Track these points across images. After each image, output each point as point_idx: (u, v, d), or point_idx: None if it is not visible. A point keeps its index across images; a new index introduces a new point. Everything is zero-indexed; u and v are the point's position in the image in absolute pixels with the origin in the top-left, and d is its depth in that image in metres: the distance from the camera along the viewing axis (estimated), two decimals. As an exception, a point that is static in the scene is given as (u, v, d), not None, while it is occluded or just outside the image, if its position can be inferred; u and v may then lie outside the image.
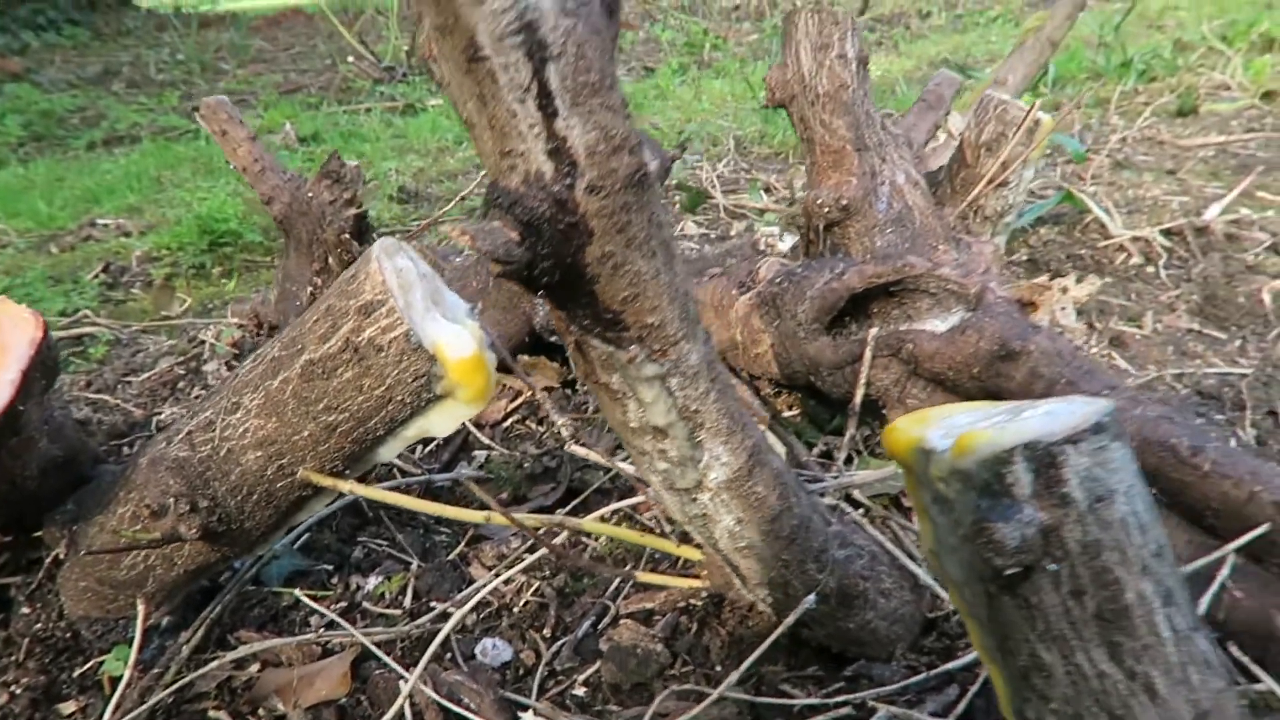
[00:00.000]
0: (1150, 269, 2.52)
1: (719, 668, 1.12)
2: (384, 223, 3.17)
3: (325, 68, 6.74)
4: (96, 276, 2.67)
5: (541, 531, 1.25)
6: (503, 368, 1.81)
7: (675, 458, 0.85)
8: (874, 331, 1.26)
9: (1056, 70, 4.62)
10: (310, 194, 1.64)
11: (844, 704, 1.02)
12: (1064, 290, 1.37)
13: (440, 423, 0.98)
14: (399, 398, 0.93)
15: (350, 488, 1.01)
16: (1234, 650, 1.00)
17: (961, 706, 1.01)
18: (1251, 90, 4.09)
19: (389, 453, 1.01)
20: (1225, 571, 0.97)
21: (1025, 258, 2.65)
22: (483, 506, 1.05)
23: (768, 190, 3.21)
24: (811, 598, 0.95)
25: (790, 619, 0.95)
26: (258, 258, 2.85)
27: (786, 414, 1.51)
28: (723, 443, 0.85)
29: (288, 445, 0.97)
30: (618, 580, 1.28)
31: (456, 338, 0.92)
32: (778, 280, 1.35)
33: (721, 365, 0.86)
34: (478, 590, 1.22)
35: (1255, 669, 0.98)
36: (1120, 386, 1.12)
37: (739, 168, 3.64)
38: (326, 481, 0.99)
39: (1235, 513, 1.00)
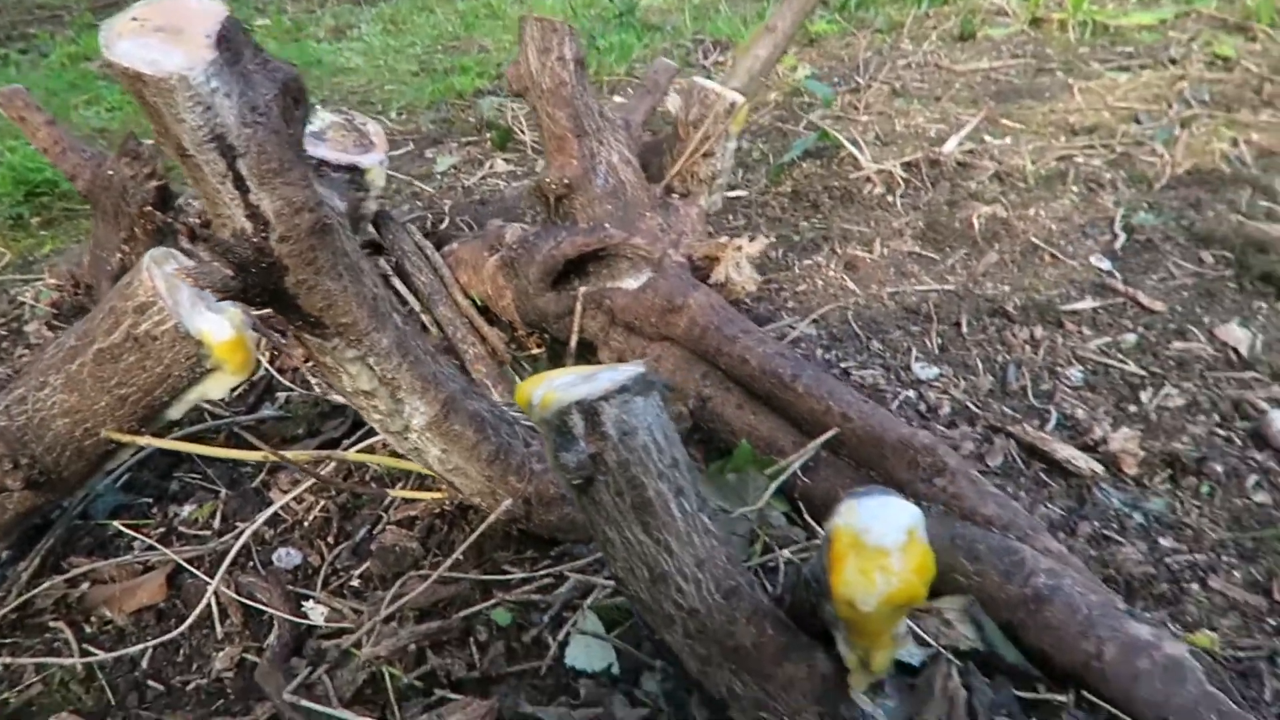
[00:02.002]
0: (890, 198, 2.92)
1: (461, 558, 1.46)
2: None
3: (143, -19, 6.46)
4: (-89, 231, 2.74)
5: (320, 465, 1.55)
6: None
7: (384, 410, 1.16)
8: (583, 289, 1.58)
9: (860, -6, 4.94)
10: (111, 170, 1.83)
11: (546, 575, 1.39)
12: (738, 249, 1.72)
13: (214, 388, 1.26)
14: (176, 374, 1.21)
15: (147, 441, 1.29)
16: (808, 517, 1.41)
17: (632, 572, 1.39)
18: (1022, 16, 4.48)
19: (176, 412, 1.29)
20: (797, 464, 1.36)
21: (790, 190, 3.02)
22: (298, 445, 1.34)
23: (573, 126, 3.46)
24: (508, 502, 1.30)
25: (491, 518, 1.29)
26: (76, 205, 2.94)
27: (535, 351, 1.84)
28: (419, 398, 1.16)
29: (89, 413, 1.24)
30: (391, 496, 1.60)
31: (218, 325, 1.19)
32: (515, 246, 1.65)
33: (417, 343, 1.17)
34: (271, 510, 1.52)
35: (820, 530, 1.39)
36: (753, 330, 1.49)
37: (553, 99, 3.85)
38: (126, 438, 1.27)
39: (819, 421, 1.39)
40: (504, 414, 1.33)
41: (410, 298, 1.84)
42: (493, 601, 1.36)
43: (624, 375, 0.99)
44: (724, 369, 1.47)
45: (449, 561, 1.29)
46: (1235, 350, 2.22)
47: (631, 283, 1.56)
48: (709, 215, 1.93)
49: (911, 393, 2.03)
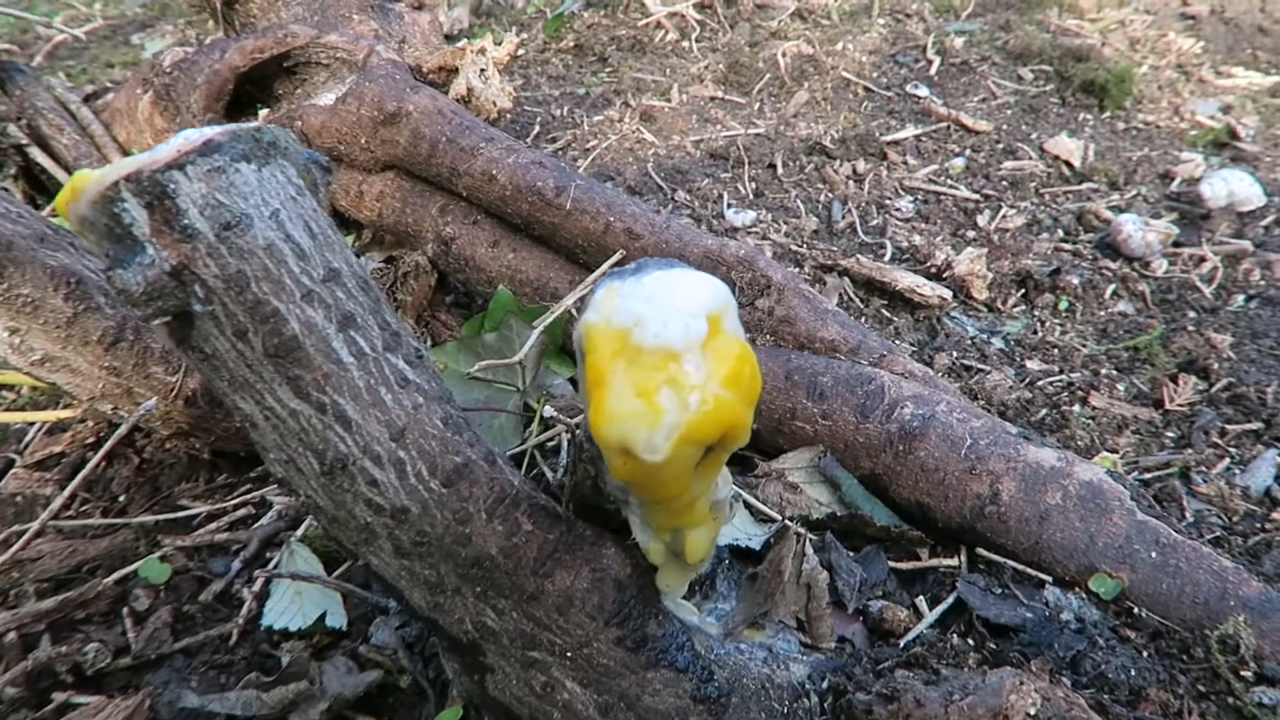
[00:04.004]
0: (685, 43, 2.57)
1: (122, 498, 1.03)
2: None
3: None
4: None
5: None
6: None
7: None
8: (264, 114, 1.15)
9: None
10: None
11: (242, 505, 0.97)
12: (481, 51, 1.31)
13: None
14: None
15: None
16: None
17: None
18: None
19: None
20: (570, 301, 1.00)
21: (572, 44, 2.62)
22: None
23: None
24: (150, 403, 0.87)
25: (122, 429, 0.86)
26: None
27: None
28: (-72, 240, 0.71)
29: None
30: (35, 428, 1.14)
31: None
32: (171, 70, 1.19)
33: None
34: None
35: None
36: (497, 138, 1.09)
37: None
38: None
39: (598, 245, 1.02)
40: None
41: (52, 168, 1.34)
42: (160, 553, 0.93)
43: (218, 130, 0.58)
44: (467, 195, 1.08)
45: (57, 502, 0.85)
46: (1068, 163, 2.01)
47: (331, 97, 1.13)
48: (453, 38, 1.50)
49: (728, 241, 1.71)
